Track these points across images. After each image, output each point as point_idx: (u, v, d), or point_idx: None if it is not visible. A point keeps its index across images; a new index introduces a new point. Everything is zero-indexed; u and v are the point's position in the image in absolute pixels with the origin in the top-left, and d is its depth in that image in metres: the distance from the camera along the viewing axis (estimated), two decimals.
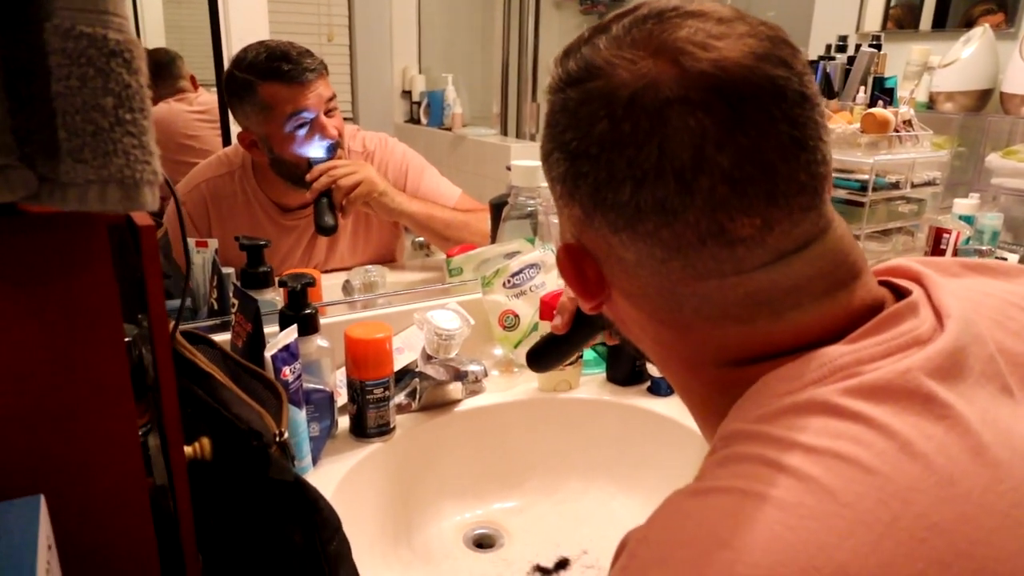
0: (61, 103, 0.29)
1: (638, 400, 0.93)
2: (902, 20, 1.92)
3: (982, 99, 1.70)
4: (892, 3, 1.90)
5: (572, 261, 0.45)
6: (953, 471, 0.33)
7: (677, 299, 0.42)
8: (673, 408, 0.91)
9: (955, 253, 1.40)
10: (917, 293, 0.42)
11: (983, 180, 1.67)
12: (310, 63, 1.13)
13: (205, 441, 0.47)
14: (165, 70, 1.31)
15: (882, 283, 0.44)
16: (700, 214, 0.38)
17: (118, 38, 0.29)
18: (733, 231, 0.38)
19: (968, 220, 1.61)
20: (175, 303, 0.96)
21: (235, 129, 1.21)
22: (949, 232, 1.39)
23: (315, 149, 1.16)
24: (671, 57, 0.38)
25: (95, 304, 0.42)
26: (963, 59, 1.69)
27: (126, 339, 0.44)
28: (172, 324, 0.54)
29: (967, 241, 1.59)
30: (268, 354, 0.65)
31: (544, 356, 0.70)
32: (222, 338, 0.80)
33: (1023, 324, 0.44)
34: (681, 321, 0.43)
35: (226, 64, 1.17)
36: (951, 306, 0.41)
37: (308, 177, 1.15)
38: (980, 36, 1.66)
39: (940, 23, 1.84)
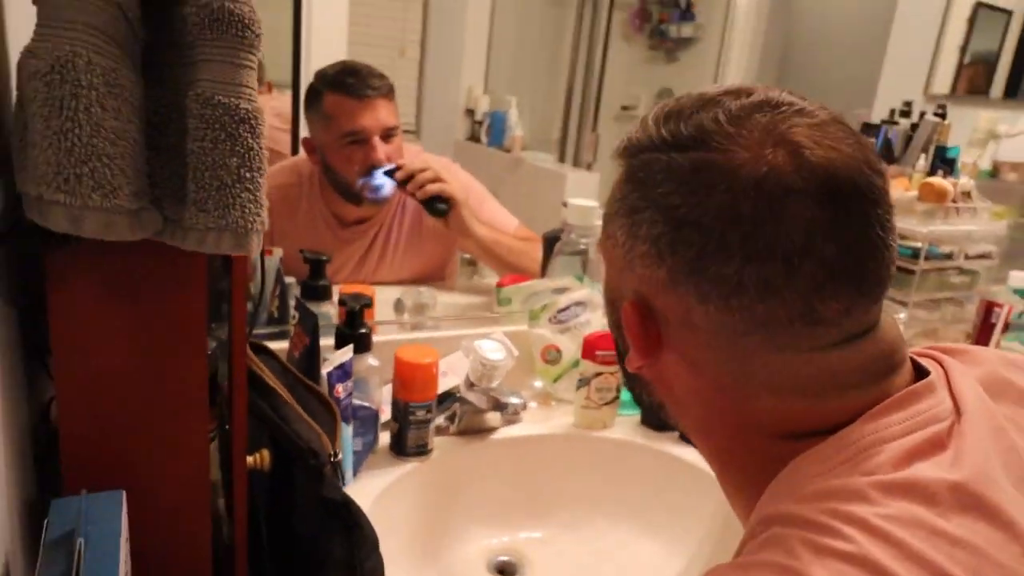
0: (193, 159, 0.33)
1: (670, 447, 0.95)
2: (974, 83, 1.89)
3: None
4: (966, 62, 1.87)
5: (639, 318, 0.47)
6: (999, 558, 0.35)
7: (748, 369, 0.44)
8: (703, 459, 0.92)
9: (1006, 327, 1.38)
10: (936, 373, 0.45)
11: None
12: (376, 82, 1.17)
13: (266, 453, 0.51)
14: None
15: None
16: (797, 295, 0.40)
17: (248, 107, 0.34)
18: (821, 312, 0.41)
19: (1022, 294, 1.58)
20: None
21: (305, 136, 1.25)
22: (1001, 306, 1.37)
23: (360, 169, 1.18)
24: (791, 149, 0.41)
25: (186, 321, 0.46)
26: None
27: (208, 352, 0.48)
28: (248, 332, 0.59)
29: (1020, 315, 1.56)
30: (325, 371, 0.69)
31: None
32: (279, 346, 0.85)
33: None
34: (746, 390, 0.44)
35: (303, 67, 1.21)
36: (966, 399, 0.43)
37: (399, 176, 1.17)
38: None
39: (1013, 91, 1.82)
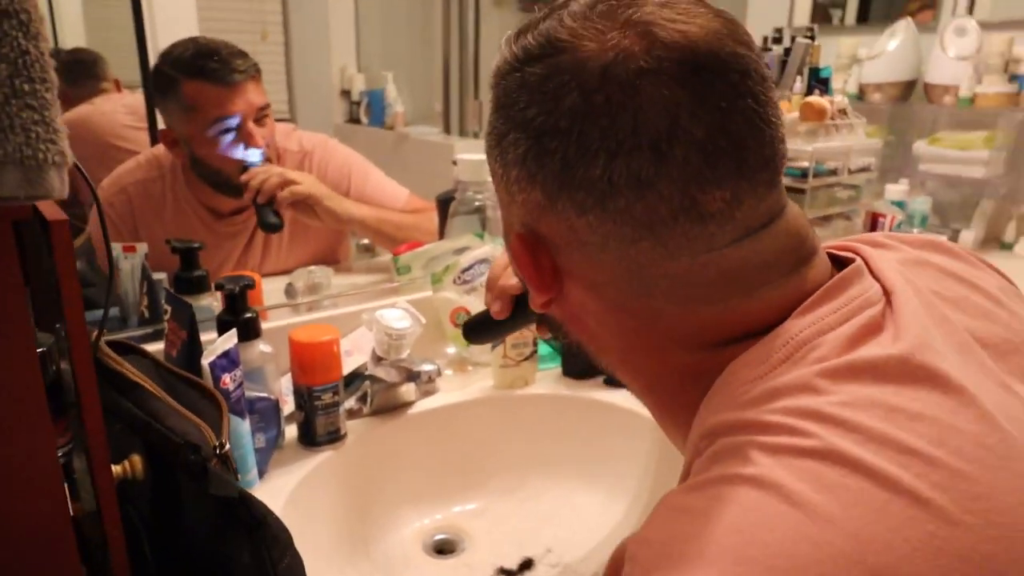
0: None
1: (595, 393, 0.92)
2: (829, 14, 1.98)
3: (908, 89, 1.77)
4: None
5: (527, 250, 0.43)
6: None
7: (646, 282, 0.40)
8: (631, 399, 0.89)
9: None
10: (858, 261, 0.43)
11: (912, 167, 1.74)
12: (240, 64, 1.08)
13: (136, 459, 0.43)
14: (88, 71, 1.24)
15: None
16: (673, 186, 0.37)
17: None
18: (704, 204, 0.37)
19: (900, 205, 1.66)
20: (101, 312, 0.92)
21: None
22: (884, 216, 1.43)
23: (238, 157, 1.10)
24: (641, 30, 0.37)
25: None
26: (889, 51, 1.75)
27: (40, 349, 0.39)
28: (95, 333, 0.50)
29: (899, 226, 1.64)
30: (206, 362, 0.61)
31: (480, 334, 0.72)
32: (155, 348, 0.76)
33: (958, 293, 0.45)
34: (650, 307, 0.42)
35: (152, 63, 1.11)
36: (892, 279, 0.42)
37: (245, 177, 1.09)
38: (904, 29, 1.72)
39: (864, 17, 1.91)
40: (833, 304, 0.39)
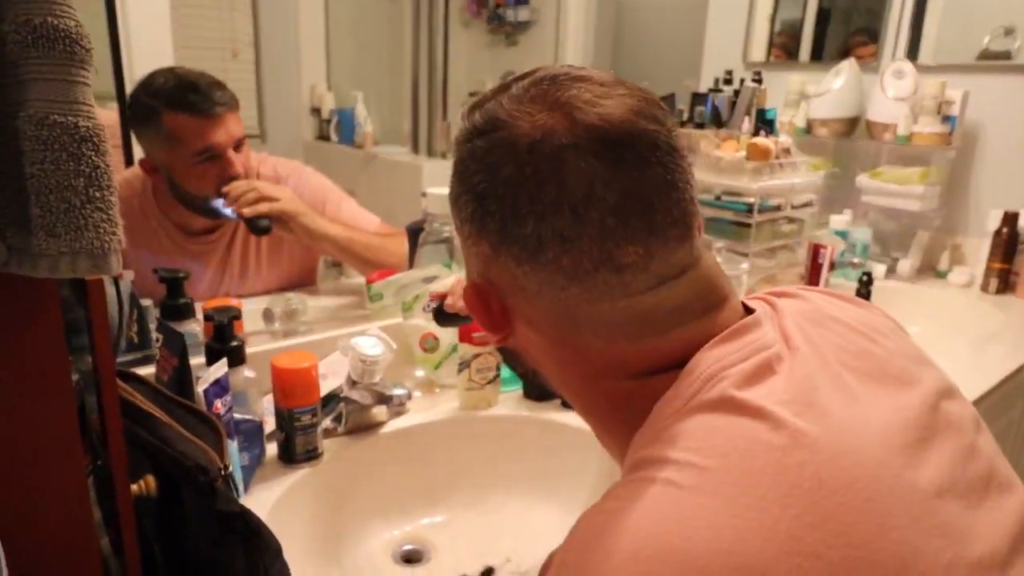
0: (34, 184, 0.32)
1: (553, 415, 0.99)
2: (785, 49, 2.08)
3: (851, 125, 1.88)
4: (776, 31, 2.06)
5: (479, 298, 0.51)
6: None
7: (575, 322, 0.48)
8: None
9: (832, 266, 1.55)
10: (761, 310, 0.50)
11: (855, 198, 1.85)
12: (220, 96, 1.12)
13: (150, 478, 0.49)
14: None
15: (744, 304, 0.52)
16: (592, 243, 0.44)
17: (88, 125, 0.33)
18: (620, 258, 0.45)
19: (842, 234, 1.78)
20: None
21: (138, 150, 1.16)
22: (825, 247, 1.54)
23: (219, 185, 1.14)
24: (564, 112, 0.45)
25: (44, 354, 0.44)
26: (834, 89, 1.86)
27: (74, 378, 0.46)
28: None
29: (842, 254, 1.75)
30: (200, 389, 0.67)
31: (446, 320, 0.85)
32: (145, 372, 0.81)
33: (860, 347, 0.51)
34: (580, 341, 0.49)
35: (127, 80, 1.11)
36: (793, 333, 0.49)
37: (225, 189, 1.13)
38: (848, 69, 1.84)
39: (818, 55, 2.02)
40: (735, 344, 0.46)
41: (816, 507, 0.38)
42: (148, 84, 1.10)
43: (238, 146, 1.16)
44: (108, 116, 1.21)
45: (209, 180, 1.13)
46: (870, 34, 1.93)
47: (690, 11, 2.16)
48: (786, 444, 0.41)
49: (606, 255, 0.45)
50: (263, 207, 1.14)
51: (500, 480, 0.98)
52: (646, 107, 0.46)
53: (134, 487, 0.48)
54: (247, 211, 1.13)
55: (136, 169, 1.18)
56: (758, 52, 2.07)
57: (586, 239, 0.44)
